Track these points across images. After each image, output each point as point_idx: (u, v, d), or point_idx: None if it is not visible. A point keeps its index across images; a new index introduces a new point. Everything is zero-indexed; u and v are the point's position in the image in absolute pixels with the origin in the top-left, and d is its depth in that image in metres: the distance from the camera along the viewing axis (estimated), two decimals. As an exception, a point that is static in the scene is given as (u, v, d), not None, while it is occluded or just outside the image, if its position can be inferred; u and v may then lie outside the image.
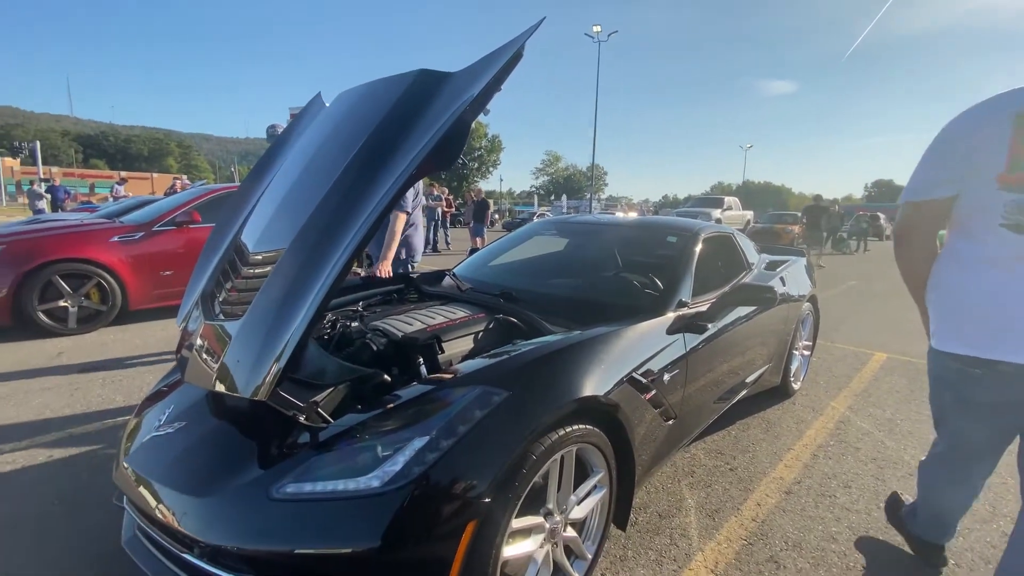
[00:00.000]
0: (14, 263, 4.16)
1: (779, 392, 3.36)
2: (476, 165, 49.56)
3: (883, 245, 22.17)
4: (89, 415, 2.84)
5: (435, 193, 13.45)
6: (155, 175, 32.93)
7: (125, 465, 1.47)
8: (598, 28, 29.28)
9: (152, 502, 1.32)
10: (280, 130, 4.13)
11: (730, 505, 2.17)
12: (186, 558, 1.27)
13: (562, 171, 70.68)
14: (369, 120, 1.67)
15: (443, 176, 46.07)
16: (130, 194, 13.85)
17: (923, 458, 1.78)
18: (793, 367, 3.41)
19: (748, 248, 3.26)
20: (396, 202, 1.47)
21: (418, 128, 1.54)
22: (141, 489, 1.38)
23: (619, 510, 1.75)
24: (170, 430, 1.51)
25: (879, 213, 26.53)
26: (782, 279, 3.17)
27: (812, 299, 3.61)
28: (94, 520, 1.93)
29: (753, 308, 2.65)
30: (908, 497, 2.02)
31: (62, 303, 4.36)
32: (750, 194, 68.63)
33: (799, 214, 20.33)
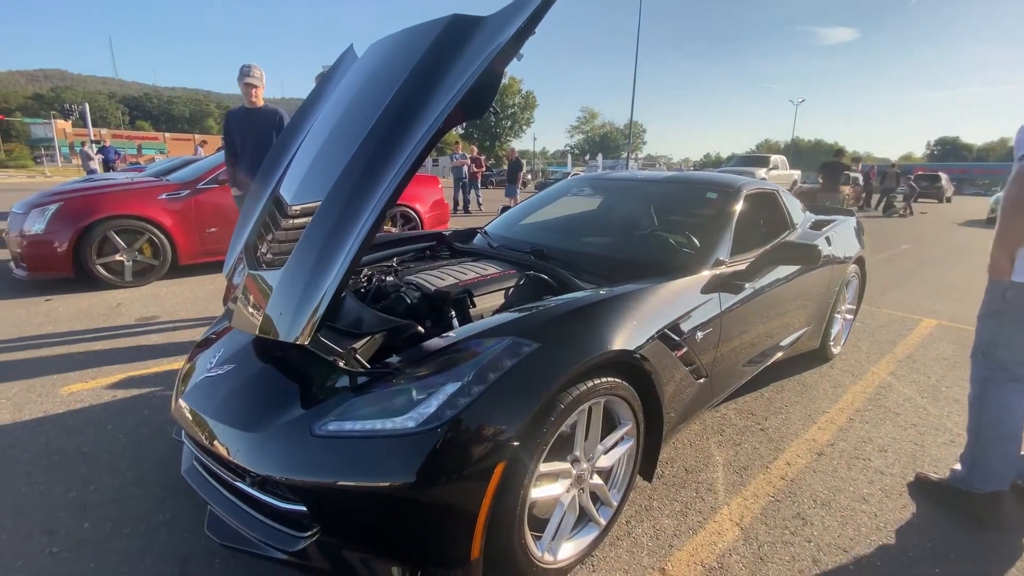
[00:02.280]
0: (72, 219, 4.41)
1: (817, 356, 3.28)
2: (509, 123, 48.37)
3: (942, 208, 20.75)
4: (147, 360, 3.06)
5: (460, 152, 13.15)
6: (198, 136, 33.76)
7: (181, 403, 1.58)
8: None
9: (206, 436, 1.43)
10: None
11: (759, 463, 2.18)
12: (239, 486, 1.38)
13: (598, 129, 68.31)
14: (401, 70, 1.65)
15: (475, 135, 45.38)
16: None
17: (980, 394, 1.87)
18: (834, 331, 3.30)
19: (793, 206, 3.11)
20: (428, 152, 1.47)
21: (449, 77, 1.52)
22: (196, 424, 1.48)
23: (646, 462, 1.78)
24: (221, 372, 1.60)
25: (940, 173, 24.73)
26: (828, 239, 3.03)
27: (859, 261, 3.44)
28: (156, 452, 2.11)
29: (795, 269, 2.55)
30: (934, 474, 2.05)
31: (118, 257, 4.62)
32: (799, 153, 64.74)
33: (850, 174, 19.06)
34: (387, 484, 1.18)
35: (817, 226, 3.20)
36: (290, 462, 1.26)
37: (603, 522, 1.64)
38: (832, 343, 3.32)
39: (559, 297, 1.73)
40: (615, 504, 1.68)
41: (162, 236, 4.79)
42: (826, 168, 10.36)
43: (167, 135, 32.03)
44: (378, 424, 1.24)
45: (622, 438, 1.65)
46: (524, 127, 49.14)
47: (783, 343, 2.69)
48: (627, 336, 1.57)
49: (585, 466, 1.53)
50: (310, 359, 1.52)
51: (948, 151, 71.66)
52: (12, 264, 4.57)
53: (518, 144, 48.94)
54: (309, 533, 1.27)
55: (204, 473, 1.55)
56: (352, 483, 1.20)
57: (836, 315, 3.27)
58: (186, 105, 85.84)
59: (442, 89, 1.51)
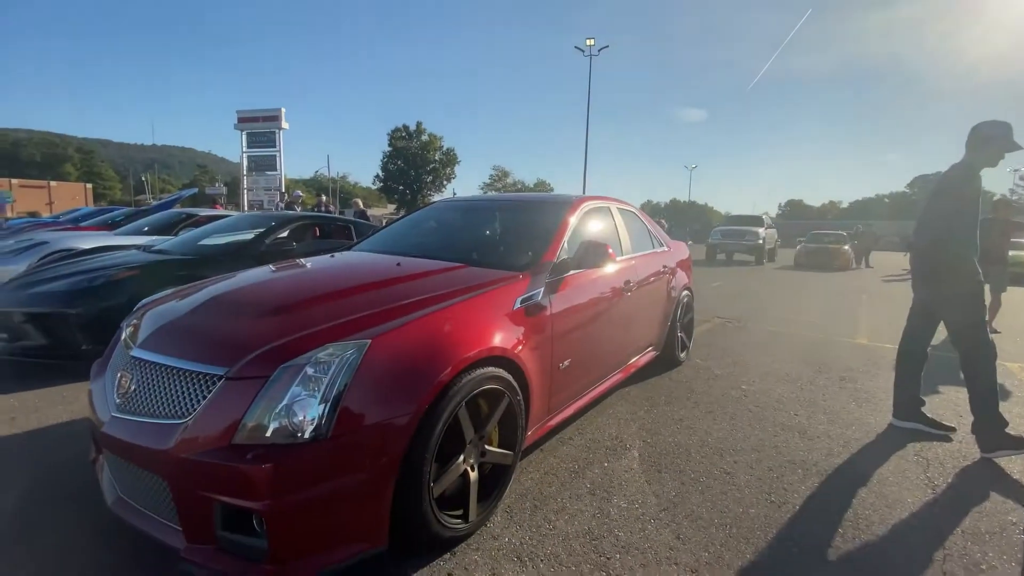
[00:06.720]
0: None
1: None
2: (430, 178, 48.91)
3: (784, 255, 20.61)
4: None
5: (322, 199, 11.90)
6: (52, 183, 29.56)
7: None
8: (591, 41, 27.87)
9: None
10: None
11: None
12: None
13: (510, 187, 71.05)
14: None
15: (400, 187, 44.99)
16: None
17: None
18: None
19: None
20: None
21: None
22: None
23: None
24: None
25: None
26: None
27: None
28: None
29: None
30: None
31: None
32: (678, 212, 70.88)
33: (843, 233, 18.81)
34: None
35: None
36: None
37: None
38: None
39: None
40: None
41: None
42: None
43: (13, 181, 27.91)
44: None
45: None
46: (445, 182, 49.78)
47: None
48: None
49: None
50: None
51: (795, 210, 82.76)
52: None
53: (439, 198, 48.66)
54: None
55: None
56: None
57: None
58: (36, 148, 75.20)
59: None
